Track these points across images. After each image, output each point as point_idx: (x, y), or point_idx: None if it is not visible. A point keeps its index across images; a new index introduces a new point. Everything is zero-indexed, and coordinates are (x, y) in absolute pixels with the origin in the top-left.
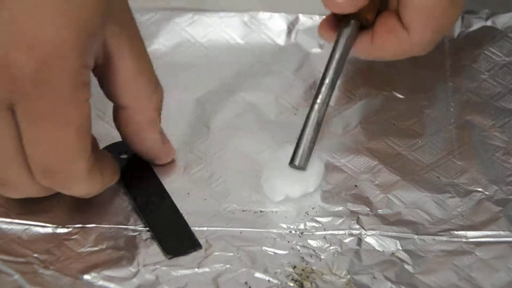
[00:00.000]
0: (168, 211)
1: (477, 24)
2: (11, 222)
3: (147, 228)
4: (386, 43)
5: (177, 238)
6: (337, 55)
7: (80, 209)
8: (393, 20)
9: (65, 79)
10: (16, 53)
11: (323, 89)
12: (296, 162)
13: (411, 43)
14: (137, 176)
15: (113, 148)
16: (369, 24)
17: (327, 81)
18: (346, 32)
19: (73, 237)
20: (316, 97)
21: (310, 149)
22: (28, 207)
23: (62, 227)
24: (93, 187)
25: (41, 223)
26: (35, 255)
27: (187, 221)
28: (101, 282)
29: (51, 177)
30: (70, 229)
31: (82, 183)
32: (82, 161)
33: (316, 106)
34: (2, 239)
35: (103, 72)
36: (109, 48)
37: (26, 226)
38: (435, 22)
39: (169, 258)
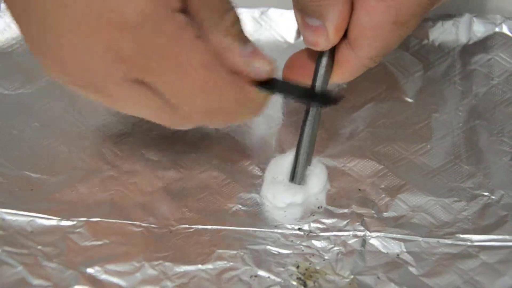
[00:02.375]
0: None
1: (488, 30)
2: (15, 214)
3: None
4: (337, 69)
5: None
6: (321, 72)
7: (85, 202)
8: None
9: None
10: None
11: (310, 118)
12: (296, 183)
13: (360, 59)
14: None
15: None
16: None
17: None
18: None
19: (78, 230)
20: (304, 123)
21: (307, 166)
22: (33, 199)
23: (66, 220)
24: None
25: (45, 215)
26: (39, 247)
27: (191, 220)
28: (104, 276)
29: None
30: (75, 222)
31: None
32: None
33: (304, 135)
34: (6, 230)
35: None
36: None
37: (31, 218)
38: (381, 41)
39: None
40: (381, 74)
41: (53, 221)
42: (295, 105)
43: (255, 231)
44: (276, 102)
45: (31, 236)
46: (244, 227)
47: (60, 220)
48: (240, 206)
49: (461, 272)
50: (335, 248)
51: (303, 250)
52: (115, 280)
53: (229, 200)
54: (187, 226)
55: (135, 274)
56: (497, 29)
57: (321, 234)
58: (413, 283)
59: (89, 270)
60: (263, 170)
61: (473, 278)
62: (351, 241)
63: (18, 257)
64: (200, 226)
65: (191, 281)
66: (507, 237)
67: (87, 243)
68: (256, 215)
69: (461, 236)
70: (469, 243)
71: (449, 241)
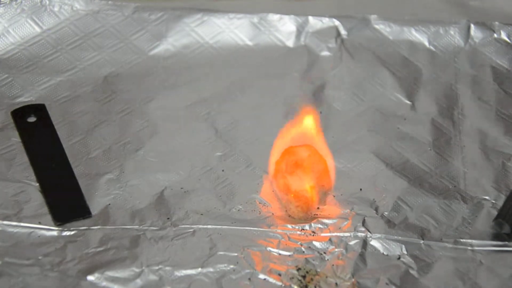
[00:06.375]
0: (65, 177)
1: (486, 36)
2: (17, 226)
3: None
4: None
5: (67, 205)
6: None
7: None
8: None
9: None
10: None
11: None
12: None
13: None
14: (40, 140)
15: (21, 111)
16: None
17: None
18: None
19: (79, 239)
20: None
21: None
22: (35, 210)
23: (67, 230)
24: None
25: (46, 226)
26: (40, 257)
27: (193, 220)
28: (104, 283)
29: None
30: (75, 232)
31: None
32: None
33: None
34: (8, 241)
35: None
36: None
37: (32, 230)
38: None
39: (58, 225)
40: (381, 77)
41: (53, 232)
42: (296, 108)
43: (256, 231)
44: (277, 105)
45: (32, 247)
46: (245, 227)
47: (61, 231)
48: (240, 207)
49: (462, 275)
50: (336, 250)
51: (304, 252)
52: (115, 287)
53: (230, 201)
54: (187, 226)
55: (136, 280)
56: (495, 35)
57: (322, 234)
58: (414, 286)
59: (90, 278)
60: (264, 171)
61: (475, 282)
62: (352, 242)
63: (20, 268)
64: (200, 226)
65: (191, 286)
66: (506, 242)
67: (87, 250)
68: (257, 215)
69: (462, 240)
70: (469, 248)
71: (449, 245)
